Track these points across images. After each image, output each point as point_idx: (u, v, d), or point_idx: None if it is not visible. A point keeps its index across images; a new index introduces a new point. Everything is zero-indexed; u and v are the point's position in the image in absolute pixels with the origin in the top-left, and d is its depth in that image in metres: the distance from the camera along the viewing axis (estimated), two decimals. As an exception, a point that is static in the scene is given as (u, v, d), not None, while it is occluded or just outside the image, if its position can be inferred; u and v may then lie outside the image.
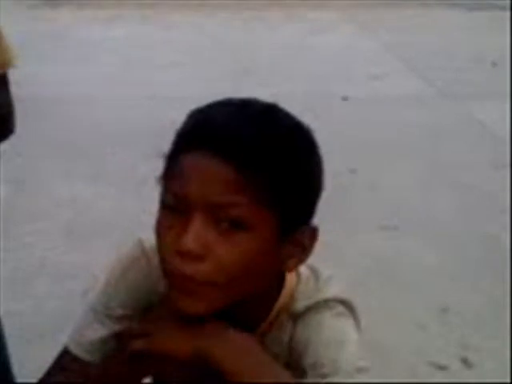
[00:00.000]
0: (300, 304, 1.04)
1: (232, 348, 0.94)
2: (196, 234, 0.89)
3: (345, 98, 5.54)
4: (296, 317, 1.04)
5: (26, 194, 3.83)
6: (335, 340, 1.00)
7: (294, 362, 1.02)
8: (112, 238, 3.21)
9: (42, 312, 2.80)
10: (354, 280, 3.10)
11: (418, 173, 4.29)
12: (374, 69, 6.32)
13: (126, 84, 5.63)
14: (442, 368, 2.60)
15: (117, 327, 1.06)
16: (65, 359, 1.09)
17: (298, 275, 1.07)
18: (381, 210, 3.82)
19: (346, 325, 1.03)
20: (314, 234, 1.00)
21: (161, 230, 0.94)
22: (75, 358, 1.08)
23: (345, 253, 3.33)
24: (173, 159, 0.95)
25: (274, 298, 1.04)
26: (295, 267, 1.01)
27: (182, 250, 0.90)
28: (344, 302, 1.05)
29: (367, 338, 2.89)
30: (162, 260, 0.94)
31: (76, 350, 1.08)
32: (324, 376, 0.96)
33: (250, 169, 0.90)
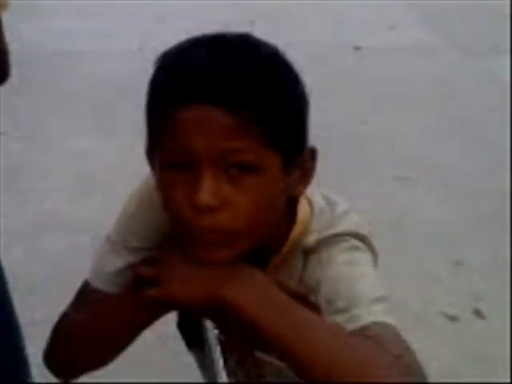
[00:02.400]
0: (311, 238, 1.02)
1: (247, 291, 0.91)
2: (211, 187, 0.88)
3: (357, 48, 5.45)
4: (307, 251, 1.02)
5: (35, 149, 3.81)
6: (348, 274, 0.97)
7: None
8: (121, 191, 3.19)
9: (51, 262, 2.81)
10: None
11: (431, 125, 4.22)
12: (389, 19, 6.21)
13: (138, 36, 5.55)
14: (453, 318, 2.58)
15: (134, 258, 1.05)
16: (84, 291, 1.09)
17: (312, 207, 1.05)
18: (392, 160, 3.78)
19: (360, 258, 1.00)
20: (313, 154, 1.00)
21: (167, 188, 0.93)
22: (94, 290, 1.07)
23: (357, 203, 3.29)
24: (161, 114, 0.92)
25: (287, 231, 1.02)
26: (303, 190, 1.01)
27: (200, 205, 0.88)
28: (359, 236, 1.02)
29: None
30: (175, 216, 0.93)
31: (95, 282, 1.07)
32: (339, 311, 0.93)
33: (248, 110, 0.88)
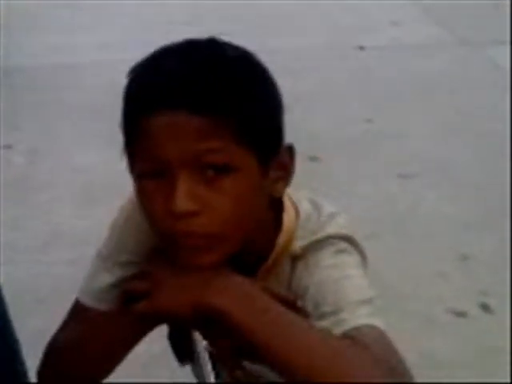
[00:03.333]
0: (298, 244, 1.01)
1: (233, 297, 0.91)
2: (186, 191, 0.88)
3: (361, 47, 5.44)
4: (295, 257, 1.01)
5: (40, 162, 3.83)
6: (334, 277, 0.97)
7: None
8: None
9: (56, 276, 2.80)
10: (372, 229, 3.06)
11: (437, 121, 4.20)
12: (392, 17, 6.18)
13: (141, 47, 5.57)
14: (460, 314, 2.56)
15: (124, 273, 1.05)
16: (75, 309, 1.09)
17: (298, 213, 1.04)
18: (398, 158, 3.76)
19: (347, 261, 1.00)
20: (291, 151, 1.00)
21: (145, 197, 0.94)
22: (85, 307, 1.07)
23: (362, 201, 3.29)
24: (132, 124, 0.93)
25: (273, 238, 1.02)
26: (283, 190, 1.00)
27: (178, 211, 0.88)
28: (346, 238, 1.02)
29: (383, 286, 2.86)
30: (155, 224, 0.93)
31: (85, 300, 1.07)
32: (326, 315, 0.93)
33: (215, 111, 0.89)
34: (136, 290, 0.98)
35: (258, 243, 1.01)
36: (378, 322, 0.93)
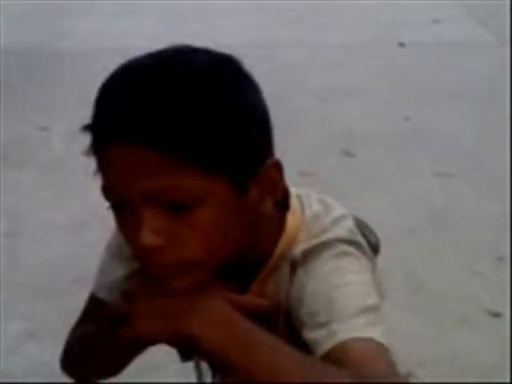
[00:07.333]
0: (299, 248, 0.96)
1: (210, 324, 0.85)
2: (151, 227, 0.84)
3: (402, 44, 5.41)
4: (295, 262, 0.96)
5: (78, 145, 3.85)
6: (332, 285, 0.91)
7: (294, 314, 0.94)
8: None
9: (92, 257, 2.81)
10: (407, 227, 3.05)
11: (475, 120, 4.17)
12: (434, 15, 6.14)
13: (180, 34, 5.57)
14: (495, 315, 2.54)
15: (134, 265, 1.01)
16: (90, 303, 1.09)
17: (304, 214, 0.99)
18: (436, 156, 3.74)
19: (348, 266, 0.93)
20: (277, 166, 0.91)
21: (118, 226, 0.90)
22: (98, 300, 1.06)
23: (400, 199, 3.27)
24: (96, 153, 0.88)
25: (275, 241, 0.97)
26: (272, 205, 0.93)
27: (143, 246, 0.85)
28: (351, 242, 0.96)
29: (418, 284, 2.83)
30: (131, 250, 0.91)
31: (99, 293, 1.07)
32: (320, 325, 0.88)
33: (173, 146, 0.82)
34: (120, 313, 0.93)
35: (259, 247, 0.96)
36: (375, 333, 0.86)
